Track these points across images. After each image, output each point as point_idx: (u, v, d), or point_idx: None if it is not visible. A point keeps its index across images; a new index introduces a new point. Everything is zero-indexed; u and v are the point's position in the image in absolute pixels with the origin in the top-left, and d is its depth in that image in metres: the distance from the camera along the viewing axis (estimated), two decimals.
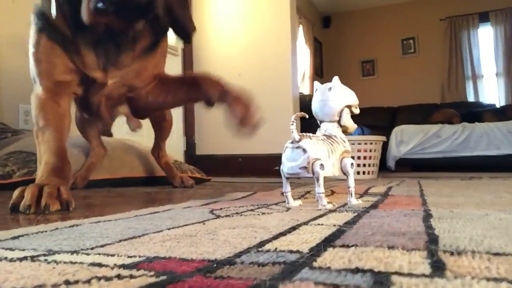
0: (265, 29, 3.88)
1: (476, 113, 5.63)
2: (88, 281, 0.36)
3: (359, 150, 3.25)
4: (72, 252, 0.52)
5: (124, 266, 0.42)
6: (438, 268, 0.41)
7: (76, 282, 0.36)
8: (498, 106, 6.46)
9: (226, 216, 0.91)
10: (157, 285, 0.35)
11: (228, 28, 4.02)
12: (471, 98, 6.94)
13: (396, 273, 0.40)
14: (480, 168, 4.59)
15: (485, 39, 7.08)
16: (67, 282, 0.36)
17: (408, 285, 0.35)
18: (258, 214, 0.93)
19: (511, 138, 4.65)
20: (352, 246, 0.53)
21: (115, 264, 0.43)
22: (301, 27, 6.47)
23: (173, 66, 3.78)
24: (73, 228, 0.78)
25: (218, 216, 0.91)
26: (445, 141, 4.85)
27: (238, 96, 1.48)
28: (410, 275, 0.39)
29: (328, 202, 1.10)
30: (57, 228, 0.77)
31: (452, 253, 0.48)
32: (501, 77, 6.85)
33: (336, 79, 1.18)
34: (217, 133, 4.13)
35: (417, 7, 7.34)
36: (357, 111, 1.20)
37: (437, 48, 7.19)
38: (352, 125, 1.20)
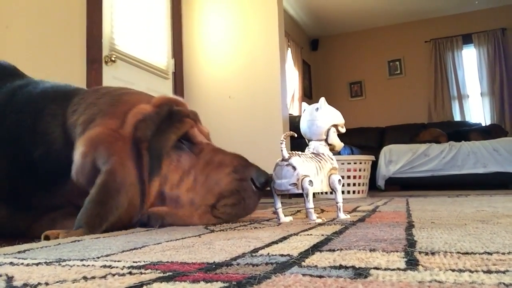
0: (255, 52, 3.98)
1: (462, 132, 5.75)
2: (104, 277, 0.41)
3: (348, 170, 3.32)
4: (81, 259, 0.57)
5: (132, 267, 0.47)
6: (412, 264, 0.46)
7: (93, 277, 0.41)
8: (483, 125, 6.60)
9: (221, 230, 0.96)
10: (166, 278, 0.40)
11: (219, 51, 4.11)
12: (457, 117, 7.09)
13: (375, 268, 0.45)
14: (468, 186, 4.67)
15: (469, 60, 7.27)
16: (85, 278, 0.41)
17: (384, 275, 0.41)
18: (251, 229, 0.98)
19: (497, 156, 4.76)
20: (338, 250, 0.58)
21: (124, 266, 0.48)
22: (289, 50, 6.61)
23: (164, 89, 3.84)
24: (75, 243, 0.82)
25: (212, 231, 0.95)
26: (433, 160, 4.94)
27: None
28: (386, 269, 0.44)
29: (318, 217, 1.15)
30: (59, 244, 0.81)
31: (426, 253, 0.53)
32: (486, 97, 7.02)
33: (322, 100, 1.25)
34: None
35: (402, 29, 7.54)
36: (343, 130, 1.27)
37: (423, 69, 7.36)
38: (339, 143, 1.26)
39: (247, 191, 1.13)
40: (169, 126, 1.12)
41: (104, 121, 1.06)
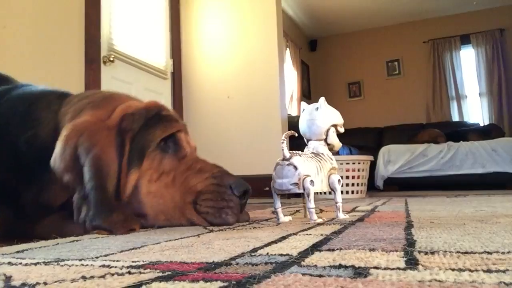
0: (253, 52, 3.98)
1: (460, 132, 5.75)
2: (103, 276, 0.41)
3: (347, 170, 3.32)
4: (80, 259, 0.56)
5: (131, 267, 0.47)
6: (411, 264, 0.46)
7: (92, 277, 0.40)
8: (482, 125, 6.60)
9: (220, 230, 0.96)
10: (165, 277, 0.39)
11: (217, 51, 4.11)
12: (455, 117, 7.10)
13: (374, 267, 0.45)
14: (467, 186, 4.67)
15: (467, 60, 7.28)
16: (84, 278, 0.40)
17: (383, 275, 0.40)
18: (250, 229, 0.98)
19: (496, 156, 4.76)
20: (337, 249, 0.58)
21: (123, 266, 0.48)
22: (288, 51, 6.61)
23: (163, 90, 3.84)
24: (74, 243, 0.82)
25: (211, 231, 0.95)
26: (432, 160, 4.94)
27: None
28: (386, 268, 0.44)
29: (318, 217, 1.15)
30: (58, 243, 0.81)
31: (426, 253, 0.53)
32: (484, 97, 7.03)
33: (322, 99, 1.25)
34: (208, 156, 4.15)
35: (400, 30, 7.54)
36: (342, 130, 1.27)
37: (421, 69, 7.37)
38: (338, 143, 1.26)
39: (225, 194, 1.11)
40: (157, 123, 1.13)
41: (92, 111, 1.07)
